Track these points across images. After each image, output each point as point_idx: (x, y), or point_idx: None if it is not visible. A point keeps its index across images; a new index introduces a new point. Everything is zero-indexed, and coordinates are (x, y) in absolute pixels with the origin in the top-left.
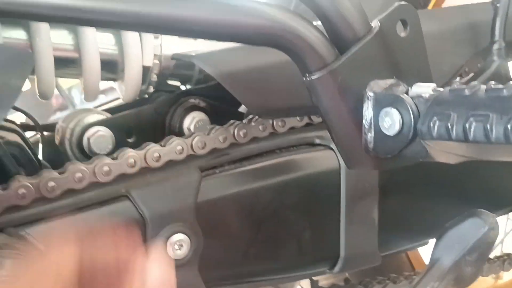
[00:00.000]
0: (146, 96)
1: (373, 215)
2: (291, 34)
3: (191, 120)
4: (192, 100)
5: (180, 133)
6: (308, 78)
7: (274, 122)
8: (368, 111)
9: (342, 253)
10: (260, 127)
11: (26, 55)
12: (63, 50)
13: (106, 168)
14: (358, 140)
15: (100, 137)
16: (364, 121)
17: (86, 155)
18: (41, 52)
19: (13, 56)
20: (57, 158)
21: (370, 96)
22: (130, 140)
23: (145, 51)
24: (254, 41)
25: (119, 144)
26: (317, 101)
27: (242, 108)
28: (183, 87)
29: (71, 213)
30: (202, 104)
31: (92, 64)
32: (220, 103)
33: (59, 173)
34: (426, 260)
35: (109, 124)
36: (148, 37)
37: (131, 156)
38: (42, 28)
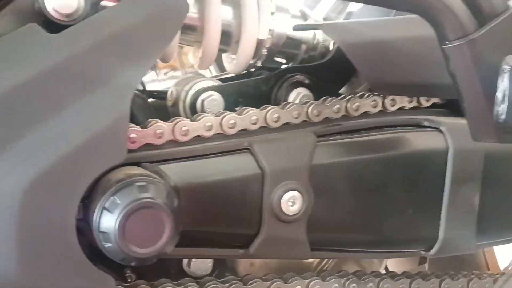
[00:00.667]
0: (252, 70)
1: (474, 201)
2: (438, 1)
3: (296, 95)
4: (298, 76)
5: None
6: (447, 46)
7: (385, 101)
8: (503, 83)
9: (440, 235)
10: (372, 103)
11: (180, 2)
12: (188, 17)
13: (232, 121)
14: (488, 111)
15: (213, 100)
16: (497, 93)
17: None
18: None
19: (168, 5)
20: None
21: (506, 69)
22: (237, 108)
23: (261, 24)
24: (399, 5)
25: (228, 110)
26: (453, 69)
27: (342, 90)
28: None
29: (198, 157)
30: (307, 81)
31: (214, 33)
32: (324, 83)
33: (191, 121)
34: (501, 263)
35: (220, 90)
36: (266, 12)
37: (253, 113)
38: None
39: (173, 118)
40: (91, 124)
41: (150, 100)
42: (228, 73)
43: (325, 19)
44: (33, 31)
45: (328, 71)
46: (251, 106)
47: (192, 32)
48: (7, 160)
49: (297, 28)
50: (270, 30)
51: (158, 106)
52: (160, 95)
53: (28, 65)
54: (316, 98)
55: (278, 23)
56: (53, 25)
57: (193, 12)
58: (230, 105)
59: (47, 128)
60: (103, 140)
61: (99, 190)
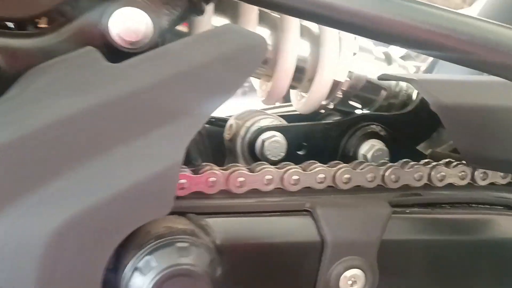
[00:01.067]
0: (322, 111)
1: None
2: None
3: (370, 148)
4: (373, 126)
5: (353, 158)
6: None
7: (475, 173)
8: None
9: None
10: (460, 174)
11: (260, 40)
12: None
13: (295, 177)
14: None
15: (275, 142)
16: None
17: (255, 157)
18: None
19: (245, 37)
20: (216, 152)
21: None
22: (300, 153)
23: (341, 65)
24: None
25: (289, 154)
26: None
27: (421, 146)
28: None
29: (252, 214)
30: (383, 133)
31: (287, 68)
32: (401, 136)
33: (250, 171)
34: None
35: (284, 131)
36: (347, 51)
37: (320, 171)
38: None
39: (230, 165)
40: (139, 168)
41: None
42: (290, 104)
43: (403, 57)
44: (92, 57)
45: (408, 124)
46: (316, 152)
47: (263, 64)
48: (41, 198)
49: (383, 77)
50: (349, 72)
51: (213, 133)
52: (218, 122)
53: (81, 95)
54: (391, 153)
55: (359, 65)
56: (114, 51)
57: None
58: (293, 149)
59: (90, 167)
60: (150, 188)
61: (134, 241)
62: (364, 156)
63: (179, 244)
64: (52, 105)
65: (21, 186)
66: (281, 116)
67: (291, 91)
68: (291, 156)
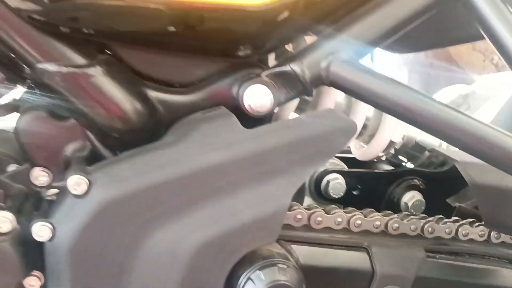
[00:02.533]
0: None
1: None
2: None
3: (411, 198)
4: (416, 180)
5: (397, 205)
6: None
7: (492, 233)
8: None
9: None
10: (480, 232)
11: (350, 124)
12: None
13: (358, 222)
14: None
15: (338, 183)
16: None
17: (319, 193)
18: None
19: (340, 121)
20: None
21: None
22: (355, 193)
23: (398, 129)
24: None
25: (347, 194)
26: None
27: (450, 199)
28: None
29: (324, 245)
30: (423, 186)
31: (384, 136)
32: (436, 190)
33: (326, 213)
34: None
35: (345, 175)
36: None
37: (377, 219)
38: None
39: (311, 206)
40: (259, 208)
41: None
42: None
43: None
44: (228, 120)
45: (443, 180)
46: (368, 194)
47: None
48: (194, 220)
49: (434, 152)
50: (404, 135)
51: None
52: None
53: (222, 151)
54: (427, 203)
55: (412, 129)
56: (240, 113)
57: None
58: (350, 189)
59: (223, 203)
60: (265, 222)
61: (246, 260)
62: (406, 204)
63: (280, 265)
64: (201, 155)
65: (177, 211)
66: (339, 158)
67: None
68: (348, 195)
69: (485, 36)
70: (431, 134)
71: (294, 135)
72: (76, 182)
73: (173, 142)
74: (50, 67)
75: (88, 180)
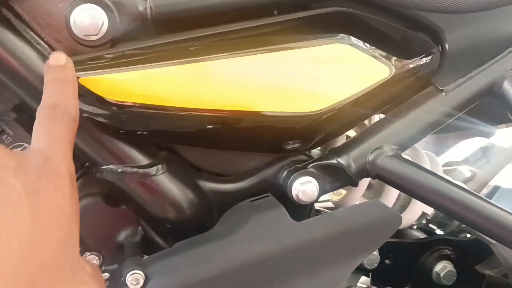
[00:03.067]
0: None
1: None
2: None
3: (442, 268)
4: (446, 250)
5: (428, 274)
6: None
7: None
8: None
9: None
10: None
11: (395, 216)
12: None
13: None
14: None
15: (372, 255)
16: None
17: None
18: None
19: (385, 213)
20: None
21: None
22: (387, 262)
23: None
24: None
25: (380, 263)
26: None
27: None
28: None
29: None
30: (454, 256)
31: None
32: (465, 258)
33: None
34: None
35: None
36: None
37: None
38: None
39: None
40: None
41: None
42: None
43: (461, 162)
44: (277, 211)
45: (473, 248)
46: (400, 263)
47: (368, 190)
48: None
49: (466, 230)
50: None
51: None
52: None
53: (270, 242)
54: (458, 272)
55: None
56: (286, 200)
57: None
58: (383, 259)
59: None
60: None
61: None
62: (438, 274)
63: None
64: (252, 248)
65: None
66: None
67: None
68: (383, 265)
69: None
70: (477, 230)
71: (342, 227)
72: (134, 278)
73: (224, 234)
74: (115, 168)
75: (145, 274)
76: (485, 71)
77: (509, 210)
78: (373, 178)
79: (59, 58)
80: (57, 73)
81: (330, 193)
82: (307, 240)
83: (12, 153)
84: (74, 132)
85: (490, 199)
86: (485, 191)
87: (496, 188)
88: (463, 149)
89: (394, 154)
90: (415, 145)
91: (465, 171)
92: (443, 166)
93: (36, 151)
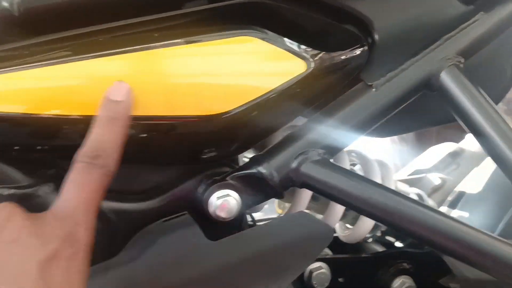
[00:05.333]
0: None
1: None
2: None
3: (401, 284)
4: (405, 264)
5: None
6: None
7: None
8: None
9: None
10: None
11: (326, 228)
12: None
13: None
14: None
15: (322, 274)
16: None
17: (303, 284)
18: None
19: (314, 226)
20: None
21: None
22: (340, 280)
23: None
24: None
25: (332, 282)
26: None
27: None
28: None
29: None
30: (413, 270)
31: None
32: (427, 272)
33: None
34: None
35: (330, 262)
36: None
37: None
38: None
39: None
40: None
41: None
42: None
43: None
44: (190, 231)
45: (431, 261)
46: (354, 280)
47: (316, 201)
48: None
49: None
50: None
51: None
52: None
53: (186, 268)
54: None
55: None
56: (204, 218)
57: None
58: (335, 277)
59: None
60: None
61: None
62: None
63: None
64: (159, 274)
65: None
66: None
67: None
68: (333, 282)
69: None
70: (410, 237)
71: (264, 245)
72: None
73: (128, 262)
74: None
75: None
76: (419, 62)
77: (455, 218)
78: (300, 187)
79: (120, 91)
80: (111, 110)
81: (276, 206)
82: (223, 262)
83: (31, 218)
84: (106, 188)
85: (455, 206)
86: (449, 198)
87: (461, 194)
88: (431, 155)
89: (321, 159)
90: (364, 151)
91: (435, 178)
92: (412, 174)
93: (60, 216)
